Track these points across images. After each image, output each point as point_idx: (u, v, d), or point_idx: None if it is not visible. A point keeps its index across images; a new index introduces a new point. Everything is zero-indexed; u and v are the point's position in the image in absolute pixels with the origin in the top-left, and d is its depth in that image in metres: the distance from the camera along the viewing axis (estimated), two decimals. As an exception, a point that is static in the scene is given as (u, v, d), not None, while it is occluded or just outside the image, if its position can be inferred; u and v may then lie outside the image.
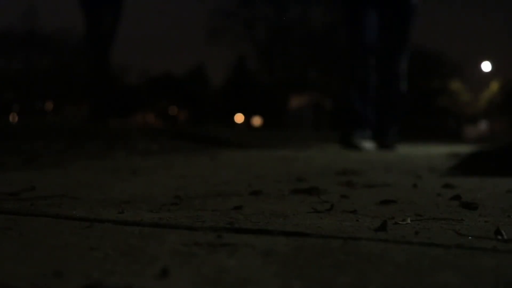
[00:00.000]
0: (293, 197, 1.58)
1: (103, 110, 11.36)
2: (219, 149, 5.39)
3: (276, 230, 0.98)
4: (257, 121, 40.87)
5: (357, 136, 5.20)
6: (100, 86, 11.40)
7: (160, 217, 1.14)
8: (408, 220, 1.13)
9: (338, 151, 5.10)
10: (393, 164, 3.49)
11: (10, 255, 0.78)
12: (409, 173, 2.65)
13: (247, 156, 4.72)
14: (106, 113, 11.53)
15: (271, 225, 1.05)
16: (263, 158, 4.26)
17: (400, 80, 5.39)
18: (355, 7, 5.13)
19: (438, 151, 6.57)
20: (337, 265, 0.73)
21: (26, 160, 3.25)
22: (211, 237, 0.92)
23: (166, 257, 0.77)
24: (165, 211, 1.25)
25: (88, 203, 1.37)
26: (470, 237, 0.95)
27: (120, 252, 0.80)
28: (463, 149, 6.28)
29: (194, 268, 0.71)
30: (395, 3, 5.44)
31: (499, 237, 0.94)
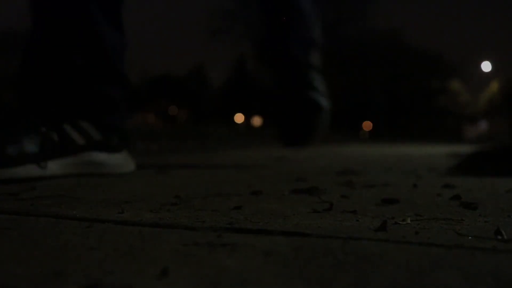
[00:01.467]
0: (293, 197, 1.58)
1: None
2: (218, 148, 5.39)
3: (276, 230, 0.98)
4: (257, 121, 40.88)
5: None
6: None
7: (160, 217, 1.15)
8: (408, 220, 1.13)
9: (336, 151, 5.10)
10: (393, 164, 3.50)
11: (10, 255, 0.78)
12: (409, 173, 2.66)
13: (247, 156, 4.72)
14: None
15: (271, 225, 1.05)
16: (264, 158, 4.27)
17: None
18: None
19: (438, 151, 6.58)
20: (337, 265, 0.73)
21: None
22: (211, 237, 0.92)
23: (166, 257, 0.77)
24: (165, 211, 1.25)
25: (88, 203, 1.37)
26: (470, 237, 0.95)
27: (120, 252, 0.80)
28: (463, 149, 6.28)
29: (194, 268, 0.71)
30: None
31: (499, 237, 0.94)
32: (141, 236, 0.94)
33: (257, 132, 16.79)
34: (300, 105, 3.38)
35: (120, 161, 2.03)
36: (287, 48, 3.39)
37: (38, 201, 1.38)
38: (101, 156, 1.95)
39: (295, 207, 1.35)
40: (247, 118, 41.30)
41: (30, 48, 2.15)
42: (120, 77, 2.03)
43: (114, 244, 0.86)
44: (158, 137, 8.23)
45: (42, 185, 1.78)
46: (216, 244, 0.86)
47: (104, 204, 1.35)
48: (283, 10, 3.40)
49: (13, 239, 0.90)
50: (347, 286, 0.64)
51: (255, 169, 2.92)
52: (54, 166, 1.91)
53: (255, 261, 0.75)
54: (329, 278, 0.67)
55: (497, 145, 2.94)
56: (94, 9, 2.11)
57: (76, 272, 0.68)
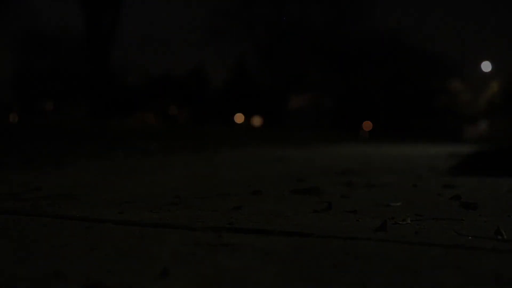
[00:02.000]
0: (293, 197, 1.58)
1: (103, 110, 11.37)
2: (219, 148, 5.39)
3: (276, 230, 0.98)
4: (257, 121, 40.90)
5: None
6: (100, 86, 11.40)
7: (160, 217, 1.15)
8: (408, 220, 1.13)
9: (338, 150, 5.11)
10: (393, 164, 3.49)
11: (10, 255, 0.78)
12: (409, 173, 2.66)
13: (247, 155, 4.72)
14: (106, 113, 11.54)
15: (271, 225, 1.05)
16: (263, 158, 4.26)
17: None
18: None
19: (438, 151, 6.57)
20: (337, 265, 0.73)
21: (26, 160, 3.25)
22: (211, 237, 0.92)
23: (166, 257, 0.77)
24: (165, 211, 1.25)
25: (88, 203, 1.37)
26: (470, 237, 0.95)
27: (120, 252, 0.80)
28: (463, 149, 6.28)
29: (194, 268, 0.71)
30: None
31: (499, 237, 0.95)
32: (141, 236, 0.94)
33: (257, 132, 16.80)
34: None
35: None
36: None
37: (38, 201, 1.38)
38: None
39: (295, 207, 1.35)
40: (247, 118, 41.39)
41: None
42: None
43: (114, 244, 0.86)
44: (158, 137, 8.23)
45: (42, 185, 1.79)
46: (216, 244, 0.86)
47: (104, 204, 1.36)
48: None
49: (13, 239, 0.90)
50: (347, 286, 0.64)
51: (255, 169, 2.92)
52: None
53: (255, 261, 0.75)
54: (329, 278, 0.67)
55: (497, 145, 2.94)
56: None
57: (76, 272, 0.68)
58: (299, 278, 0.67)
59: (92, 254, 0.79)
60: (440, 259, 0.78)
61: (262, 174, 2.51)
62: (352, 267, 0.72)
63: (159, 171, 2.65)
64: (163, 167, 2.98)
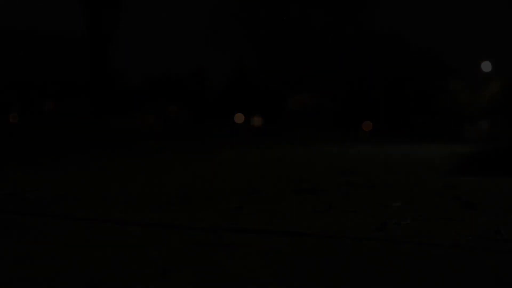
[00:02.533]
0: (293, 197, 1.58)
1: (104, 111, 11.38)
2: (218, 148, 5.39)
3: (276, 230, 0.98)
4: (257, 121, 40.90)
5: None
6: (101, 86, 11.42)
7: (160, 217, 1.15)
8: (408, 220, 1.13)
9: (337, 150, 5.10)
10: (393, 164, 3.49)
11: (10, 255, 0.78)
12: (409, 173, 2.66)
13: (247, 155, 4.72)
14: (107, 114, 11.54)
15: (271, 225, 1.05)
16: (263, 158, 4.27)
17: None
18: None
19: (438, 151, 6.57)
20: (337, 265, 0.73)
21: (26, 160, 3.25)
22: (211, 237, 0.92)
23: (166, 257, 0.77)
24: (165, 211, 1.25)
25: (88, 203, 1.37)
26: (470, 237, 0.95)
27: (120, 252, 0.80)
28: (463, 149, 6.28)
29: (194, 268, 0.71)
30: None
31: (499, 237, 0.95)
32: (141, 236, 0.94)
33: (257, 132, 16.82)
34: None
35: None
36: None
37: (38, 201, 1.39)
38: None
39: (295, 207, 1.35)
40: (247, 118, 41.41)
41: None
42: None
43: (115, 244, 0.86)
44: (159, 137, 8.23)
45: (42, 185, 1.79)
46: (216, 244, 0.86)
47: (105, 204, 1.36)
48: None
49: (13, 239, 0.90)
50: (347, 286, 0.64)
51: (255, 169, 2.92)
52: None
53: (255, 261, 0.75)
54: (329, 278, 0.67)
55: (497, 145, 2.95)
56: None
57: (76, 272, 0.68)
58: (299, 278, 0.67)
59: (92, 254, 0.79)
60: (440, 259, 0.78)
61: (262, 174, 2.51)
62: (353, 267, 0.72)
63: (159, 171, 2.65)
64: (163, 167, 2.99)
